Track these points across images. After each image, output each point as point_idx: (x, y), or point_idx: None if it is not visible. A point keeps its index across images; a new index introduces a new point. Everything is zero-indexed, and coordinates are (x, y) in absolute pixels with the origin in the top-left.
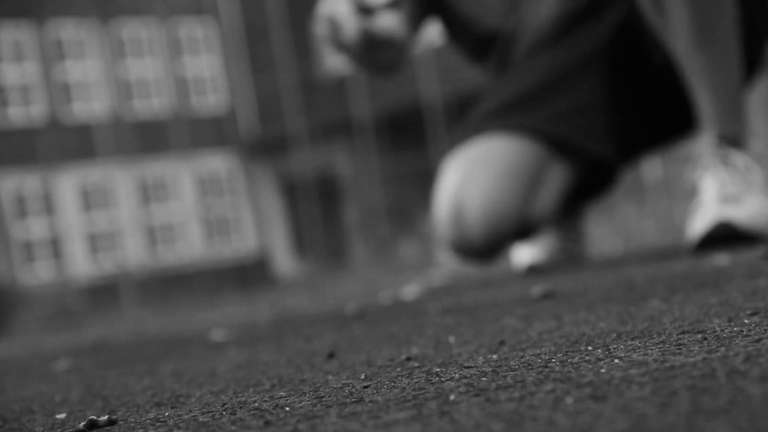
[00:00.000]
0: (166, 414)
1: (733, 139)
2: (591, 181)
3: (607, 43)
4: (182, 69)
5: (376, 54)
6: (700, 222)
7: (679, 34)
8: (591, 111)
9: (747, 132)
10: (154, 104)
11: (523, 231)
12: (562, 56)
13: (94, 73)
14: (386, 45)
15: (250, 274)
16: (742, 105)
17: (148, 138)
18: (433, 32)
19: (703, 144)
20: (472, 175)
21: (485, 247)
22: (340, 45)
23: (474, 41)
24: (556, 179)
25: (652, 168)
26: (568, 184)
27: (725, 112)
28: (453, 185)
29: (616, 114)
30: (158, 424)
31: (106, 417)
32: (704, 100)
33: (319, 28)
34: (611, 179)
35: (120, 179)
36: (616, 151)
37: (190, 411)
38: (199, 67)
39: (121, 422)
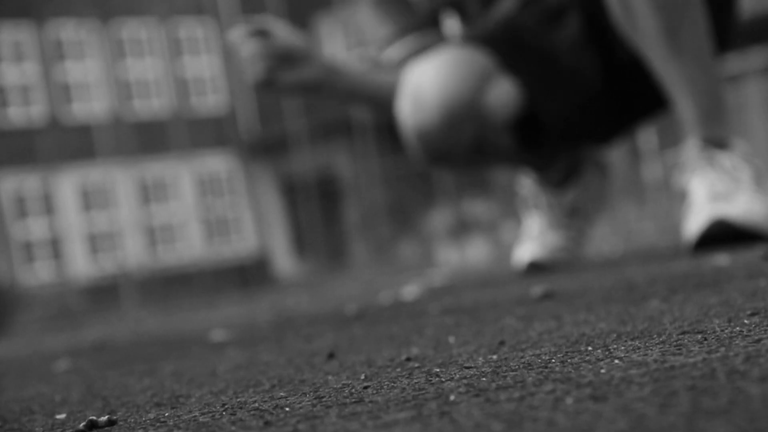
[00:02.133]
0: (166, 414)
1: (717, 141)
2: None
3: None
4: (182, 69)
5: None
6: (694, 222)
7: (651, 44)
8: (551, 58)
9: (731, 132)
10: (154, 104)
11: (481, 137)
12: (533, 14)
13: (94, 73)
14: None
15: (250, 275)
16: (724, 106)
17: (148, 138)
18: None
19: (689, 148)
20: (429, 65)
21: (443, 131)
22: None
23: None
24: (507, 86)
25: (652, 168)
26: (519, 103)
27: (707, 116)
28: (413, 77)
29: (581, 71)
30: (158, 424)
31: (106, 417)
32: (684, 107)
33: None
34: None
35: (120, 179)
36: (563, 98)
37: (190, 411)
38: (199, 67)
39: (121, 422)
